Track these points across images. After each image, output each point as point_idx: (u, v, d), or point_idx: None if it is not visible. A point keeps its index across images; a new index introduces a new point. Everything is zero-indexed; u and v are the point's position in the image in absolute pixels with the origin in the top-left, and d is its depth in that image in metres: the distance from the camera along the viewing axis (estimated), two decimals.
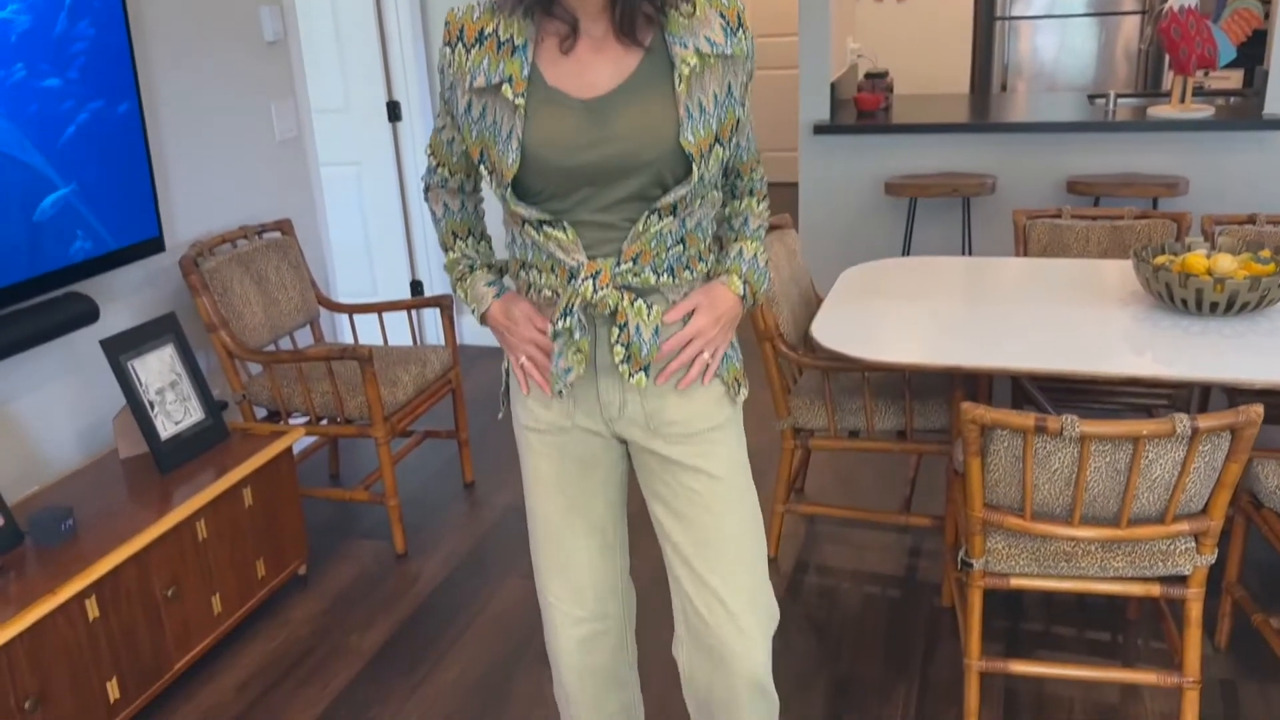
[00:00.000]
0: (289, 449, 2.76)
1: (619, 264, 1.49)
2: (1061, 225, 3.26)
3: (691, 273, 1.55)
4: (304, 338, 3.53)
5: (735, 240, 1.64)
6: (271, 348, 3.21)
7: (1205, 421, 1.84)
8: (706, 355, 1.56)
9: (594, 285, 1.48)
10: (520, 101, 1.43)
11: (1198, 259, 2.46)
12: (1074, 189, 4.02)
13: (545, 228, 1.49)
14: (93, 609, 2.16)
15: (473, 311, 1.65)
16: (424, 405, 3.18)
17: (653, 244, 1.49)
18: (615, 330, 1.51)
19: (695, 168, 1.45)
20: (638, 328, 1.50)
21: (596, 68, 1.45)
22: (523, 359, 1.58)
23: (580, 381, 1.57)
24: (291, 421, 3.06)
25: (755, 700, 1.65)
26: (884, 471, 3.39)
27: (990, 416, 1.92)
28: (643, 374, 1.51)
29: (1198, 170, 4.09)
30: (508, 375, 1.69)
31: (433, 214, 1.70)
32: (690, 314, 1.55)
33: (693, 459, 1.58)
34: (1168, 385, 2.85)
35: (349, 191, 4.48)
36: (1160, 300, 2.49)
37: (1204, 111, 4.05)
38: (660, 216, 1.47)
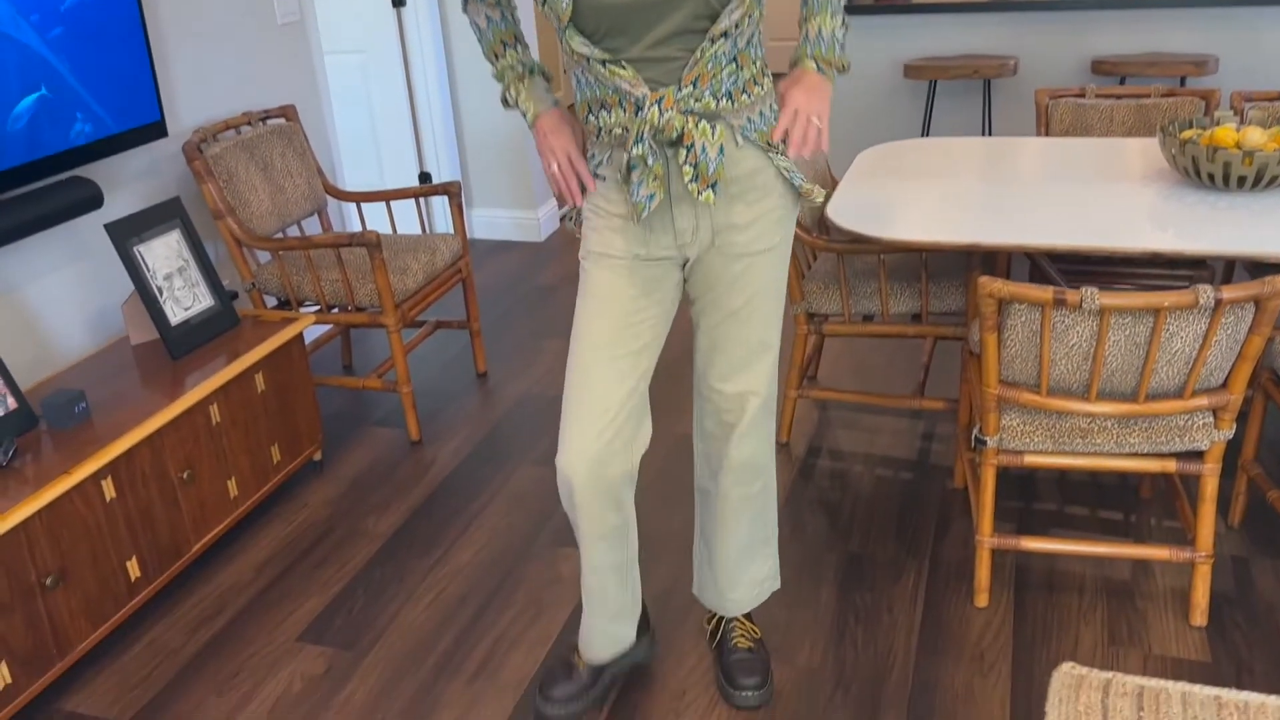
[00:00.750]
0: (300, 336, 2.75)
1: (680, 89, 1.60)
2: (1085, 105, 3.17)
3: (749, 96, 1.66)
4: (312, 227, 3.49)
5: (805, 20, 1.73)
6: (279, 236, 3.18)
7: (1229, 293, 1.80)
8: (816, 121, 1.66)
9: (660, 110, 1.59)
10: None
11: (1227, 132, 2.39)
12: (1099, 69, 3.90)
13: (608, 65, 1.59)
14: (109, 490, 2.17)
15: (524, 114, 1.77)
16: (434, 294, 3.15)
17: (709, 67, 1.59)
18: (683, 152, 1.61)
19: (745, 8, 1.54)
20: (704, 147, 1.61)
21: None
22: (554, 166, 1.72)
23: (656, 214, 1.70)
24: (302, 310, 3.05)
25: (744, 467, 1.90)
26: (897, 358, 3.37)
27: (1008, 290, 1.88)
28: (710, 191, 1.63)
29: (1228, 48, 3.95)
30: (574, 210, 1.81)
31: (475, 27, 1.79)
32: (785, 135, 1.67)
33: (741, 276, 1.76)
34: (1189, 264, 2.80)
35: (354, 81, 4.39)
36: (1186, 176, 2.42)
37: None
38: (713, 42, 1.56)
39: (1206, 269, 2.79)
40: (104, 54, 2.55)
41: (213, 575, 2.52)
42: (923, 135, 4.23)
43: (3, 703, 1.97)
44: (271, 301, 3.30)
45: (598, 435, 1.75)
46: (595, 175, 1.74)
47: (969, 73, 3.93)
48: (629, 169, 1.64)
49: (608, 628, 1.96)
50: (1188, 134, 2.45)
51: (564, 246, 4.62)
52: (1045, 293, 1.86)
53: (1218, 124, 2.52)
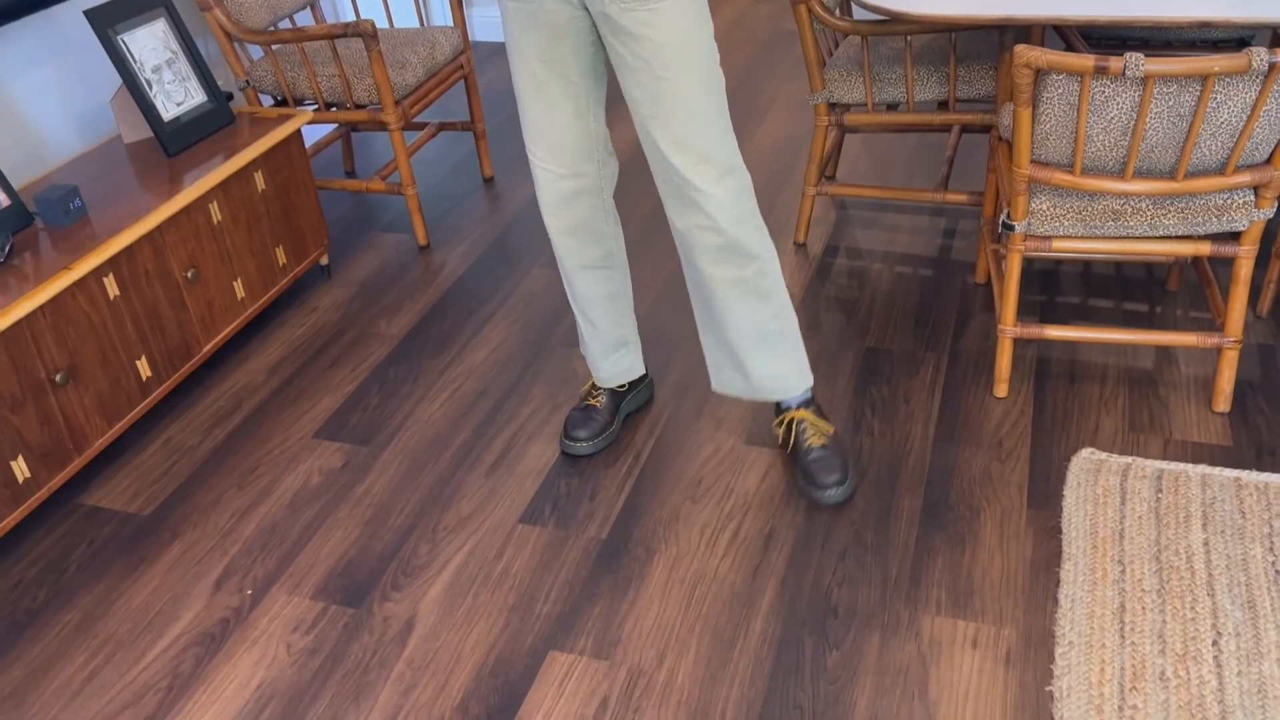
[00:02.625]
0: (298, 133, 2.65)
1: None
2: None
3: None
4: (304, 22, 3.32)
5: None
6: (272, 30, 3.02)
7: None
8: None
9: None
10: None
11: None
12: None
13: None
14: (112, 287, 2.13)
15: None
16: (436, 91, 3.02)
17: None
18: None
19: None
20: None
21: None
22: None
23: None
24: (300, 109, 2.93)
25: (724, 251, 1.83)
26: (920, 155, 3.25)
27: (1045, 59, 1.77)
28: None
29: None
30: None
31: None
32: None
33: (640, 26, 1.66)
34: (1235, 42, 2.64)
35: None
36: None
37: None
38: None
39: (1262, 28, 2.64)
40: None
41: (225, 376, 2.51)
42: None
43: (23, 496, 1.99)
44: (268, 101, 3.18)
45: (552, 172, 1.88)
46: None
47: None
48: None
49: (610, 358, 2.14)
50: None
51: None
52: (1086, 60, 1.74)
53: None
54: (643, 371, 2.23)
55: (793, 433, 2.05)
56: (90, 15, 2.32)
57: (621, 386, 2.21)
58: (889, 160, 3.24)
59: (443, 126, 3.30)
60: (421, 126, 3.32)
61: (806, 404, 2.05)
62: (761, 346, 1.95)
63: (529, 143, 1.88)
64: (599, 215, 1.96)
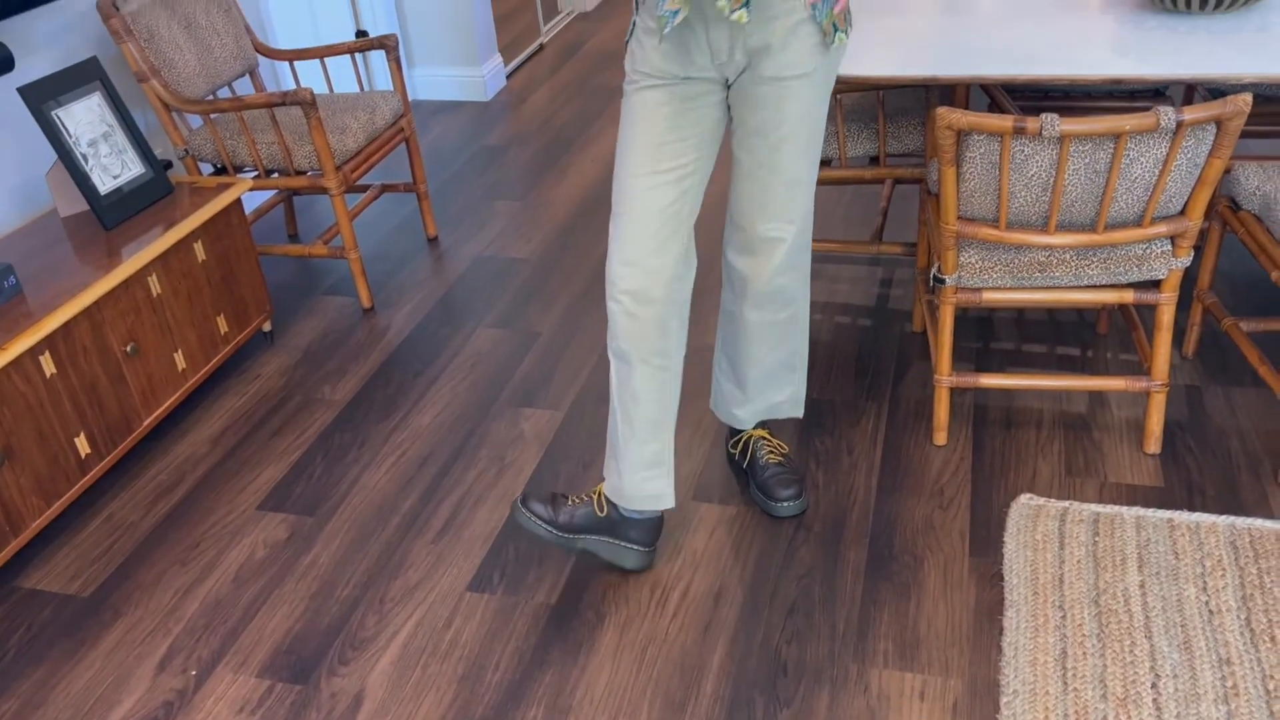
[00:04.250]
0: (238, 201, 2.65)
1: None
2: None
3: None
4: (244, 90, 3.33)
5: None
6: (210, 99, 3.02)
7: (1191, 113, 1.76)
8: None
9: None
10: None
11: None
12: None
13: None
14: (48, 365, 2.10)
15: None
16: (377, 154, 3.03)
17: None
18: None
19: None
20: None
21: None
22: None
23: (692, 34, 1.68)
24: (240, 176, 2.93)
25: (772, 295, 1.95)
26: (855, 206, 3.32)
27: (966, 120, 1.83)
28: (743, 10, 1.63)
29: None
30: (633, 25, 1.78)
31: None
32: None
33: (771, 100, 1.75)
34: (1148, 95, 2.74)
35: None
36: (1147, 0, 2.35)
37: None
38: None
39: (1165, 99, 2.75)
40: None
41: (168, 449, 2.48)
42: None
43: None
44: (207, 169, 3.17)
45: (643, 242, 1.78)
46: None
47: None
48: None
49: (639, 474, 1.91)
50: None
51: (512, 105, 4.46)
52: (1005, 121, 1.80)
53: None
54: (671, 504, 1.96)
55: (750, 450, 2.16)
56: (23, 92, 2.32)
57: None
58: (827, 210, 3.30)
59: (385, 188, 3.32)
60: (364, 189, 3.33)
61: (762, 424, 2.19)
62: (774, 381, 2.09)
63: (620, 219, 1.79)
64: (670, 303, 1.82)
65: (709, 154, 1.81)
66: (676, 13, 1.64)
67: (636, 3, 1.76)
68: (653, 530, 1.98)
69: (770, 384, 2.10)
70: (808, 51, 1.72)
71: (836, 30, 1.74)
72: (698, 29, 1.69)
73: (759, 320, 1.99)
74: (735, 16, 1.63)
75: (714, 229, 3.24)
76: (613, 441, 1.93)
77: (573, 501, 1.97)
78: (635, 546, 1.96)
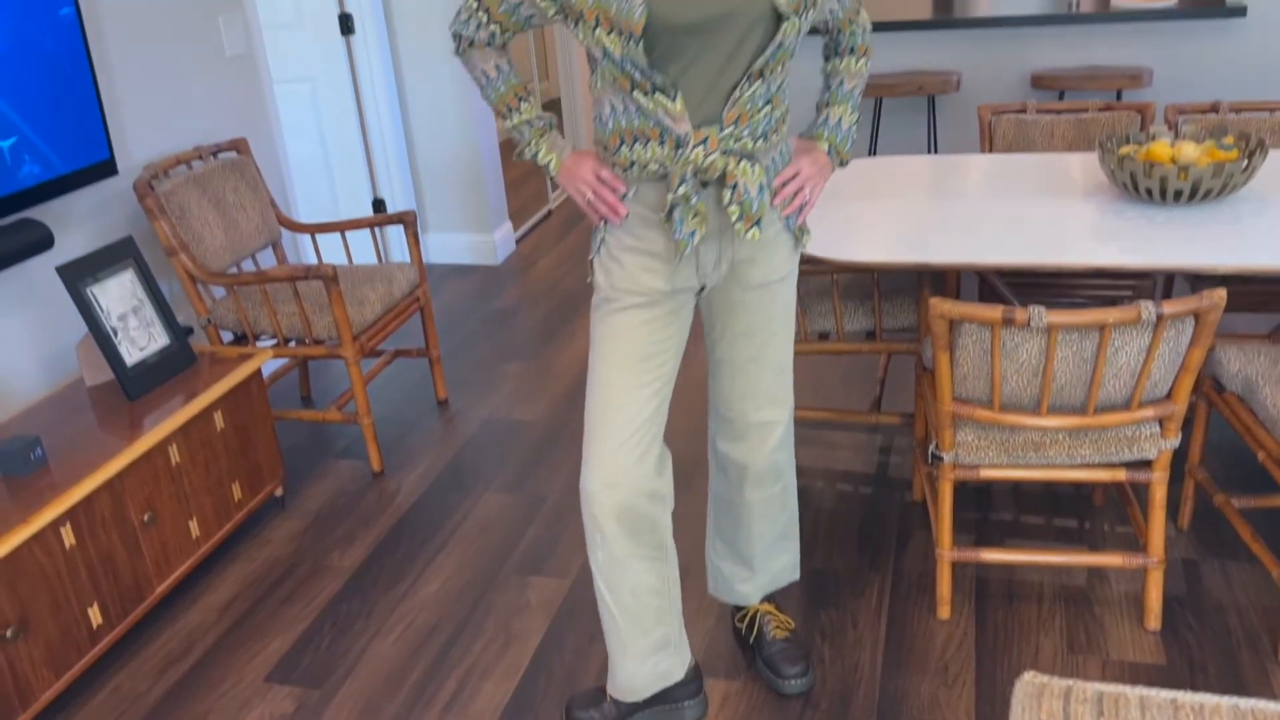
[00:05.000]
0: (258, 371, 2.74)
1: (722, 129, 1.64)
2: (1026, 120, 3.25)
3: (779, 134, 1.74)
4: (266, 260, 3.48)
5: (828, 105, 1.87)
6: (234, 270, 3.16)
7: (1170, 307, 1.86)
8: (807, 191, 1.80)
9: (704, 151, 1.64)
10: None
11: (1162, 148, 2.46)
12: (1039, 84, 3.99)
13: (657, 94, 1.61)
14: (69, 536, 2.15)
15: (546, 166, 1.79)
16: (393, 323, 3.15)
17: (748, 108, 1.65)
18: (727, 192, 1.67)
19: (784, 26, 1.59)
20: (746, 187, 1.67)
21: None
22: (586, 195, 1.75)
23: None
24: (259, 344, 3.03)
25: (765, 478, 2.02)
26: (853, 372, 3.42)
27: (958, 311, 1.93)
28: (756, 228, 1.70)
29: (1161, 61, 4.06)
30: (601, 243, 1.79)
31: (482, 75, 1.78)
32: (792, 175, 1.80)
33: (757, 304, 1.85)
34: (1132, 276, 2.87)
35: (304, 109, 4.37)
36: (1125, 191, 2.50)
37: (1166, 2, 4.01)
38: (751, 81, 1.63)
39: (1149, 278, 2.87)
40: (51, 93, 2.53)
41: (177, 617, 2.49)
42: (870, 150, 4.31)
43: None
44: (228, 336, 3.28)
45: (624, 457, 1.78)
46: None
47: (913, 89, 4.01)
48: (671, 207, 1.66)
49: (648, 661, 1.92)
50: (1125, 150, 2.53)
51: (521, 269, 4.63)
52: (994, 312, 1.91)
53: (1153, 139, 2.60)
54: (689, 664, 1.99)
55: (756, 625, 2.18)
56: (62, 271, 2.44)
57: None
58: (825, 377, 3.40)
59: (398, 354, 3.42)
60: (378, 354, 3.43)
61: (768, 598, 2.21)
62: (773, 549, 2.14)
63: (597, 427, 1.79)
64: (655, 503, 1.83)
65: (681, 351, 1.85)
66: (694, 234, 1.67)
67: (604, 221, 1.76)
68: (693, 679, 2.01)
69: (773, 554, 2.15)
70: (784, 256, 1.84)
71: (805, 234, 1.86)
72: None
73: (759, 499, 2.05)
74: (750, 235, 1.70)
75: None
76: (613, 641, 1.91)
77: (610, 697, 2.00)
78: (686, 702, 2.01)
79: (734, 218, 1.68)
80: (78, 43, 2.60)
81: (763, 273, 1.83)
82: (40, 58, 2.49)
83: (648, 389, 1.79)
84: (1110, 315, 1.87)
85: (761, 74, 1.63)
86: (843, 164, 1.86)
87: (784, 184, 1.77)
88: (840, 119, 1.85)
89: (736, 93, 1.63)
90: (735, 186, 1.67)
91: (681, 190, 1.65)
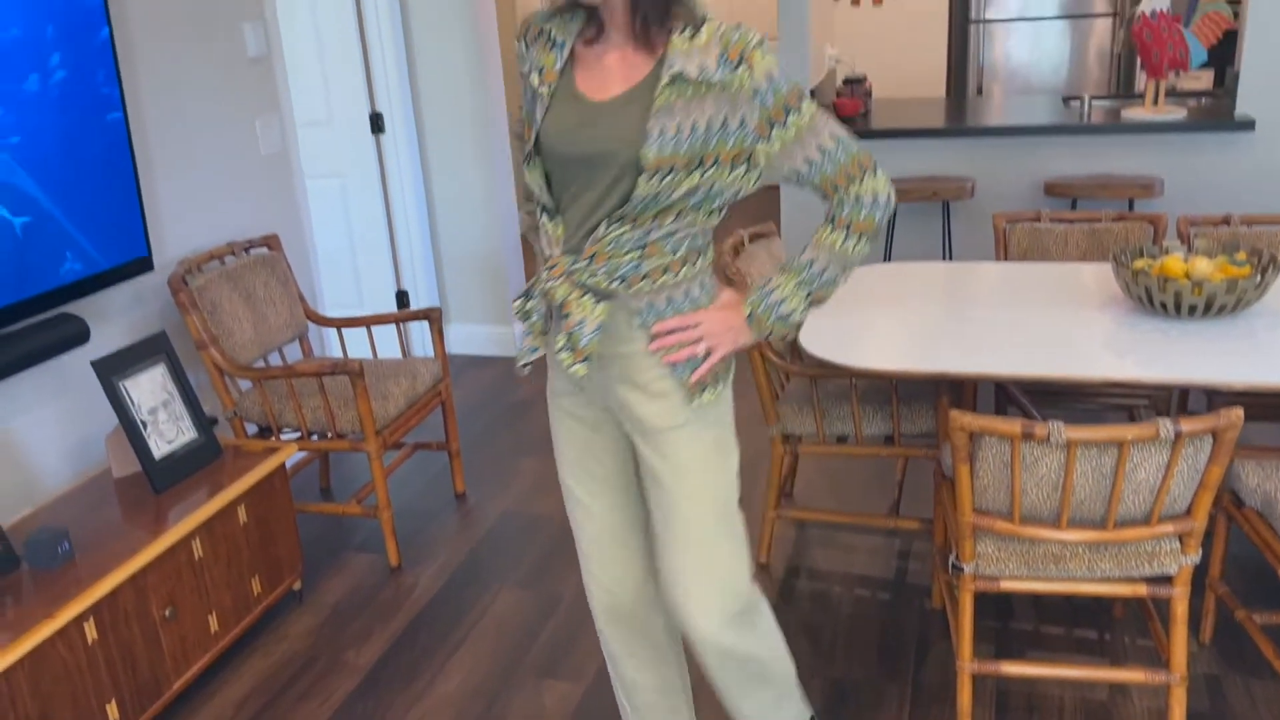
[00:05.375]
0: (282, 465, 2.77)
1: (575, 262, 1.63)
2: (1041, 229, 3.31)
3: (651, 283, 1.65)
4: (292, 352, 3.54)
5: (781, 270, 1.72)
6: (261, 363, 3.22)
7: (1188, 425, 1.89)
8: (701, 348, 1.68)
9: (548, 276, 1.66)
10: (545, 90, 1.63)
11: (1175, 262, 2.51)
12: (1051, 191, 4.08)
13: (544, 216, 1.68)
14: (91, 632, 2.16)
15: None
16: (415, 418, 3.19)
17: (609, 248, 1.62)
18: (562, 321, 1.67)
19: (641, 182, 1.56)
20: (580, 321, 1.65)
21: (615, 75, 1.61)
22: None
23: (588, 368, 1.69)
24: (283, 437, 3.07)
25: (723, 662, 1.79)
26: (872, 474, 3.43)
27: (978, 424, 1.96)
28: (582, 365, 1.66)
29: (1172, 171, 4.15)
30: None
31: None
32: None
33: (654, 453, 1.73)
34: (1149, 386, 2.90)
35: (333, 203, 4.49)
36: (1140, 303, 2.54)
37: (1177, 114, 4.12)
38: (615, 223, 1.60)
39: (1166, 389, 2.90)
40: (94, 191, 2.62)
41: (193, 713, 2.48)
42: (886, 255, 4.38)
43: None
44: (252, 428, 3.32)
45: (605, 558, 1.82)
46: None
47: (928, 195, 4.10)
48: (521, 317, 1.75)
49: None
50: (1139, 264, 2.58)
51: (539, 362, 4.68)
52: (1014, 426, 1.93)
53: (1166, 253, 2.65)
54: None
55: None
56: (97, 366, 2.49)
57: None
58: (843, 477, 3.41)
59: (418, 447, 3.46)
60: (399, 446, 3.47)
61: None
62: (763, 714, 1.92)
63: (575, 533, 1.86)
64: (643, 607, 1.85)
65: (628, 473, 1.81)
66: (535, 350, 1.72)
67: None
68: None
69: (766, 715, 1.93)
70: (673, 405, 1.69)
71: (705, 389, 1.71)
72: (592, 365, 1.71)
73: (721, 678, 1.83)
74: (573, 370, 1.65)
75: None
76: None
77: None
78: None
79: (559, 345, 1.67)
80: (124, 145, 2.70)
81: (650, 417, 1.70)
82: (87, 159, 2.59)
83: (601, 500, 1.82)
84: (1129, 432, 1.89)
85: (634, 220, 1.59)
86: (764, 335, 1.71)
87: (668, 331, 1.66)
88: (779, 291, 1.68)
89: (599, 230, 1.61)
90: (568, 317, 1.65)
91: (522, 305, 1.72)
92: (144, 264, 2.80)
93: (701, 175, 1.58)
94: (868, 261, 4.55)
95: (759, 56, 1.56)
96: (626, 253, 1.62)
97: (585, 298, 1.64)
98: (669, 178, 1.56)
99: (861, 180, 1.64)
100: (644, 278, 1.64)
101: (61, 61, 2.50)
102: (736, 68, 1.55)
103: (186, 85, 3.13)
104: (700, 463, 1.72)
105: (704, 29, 1.57)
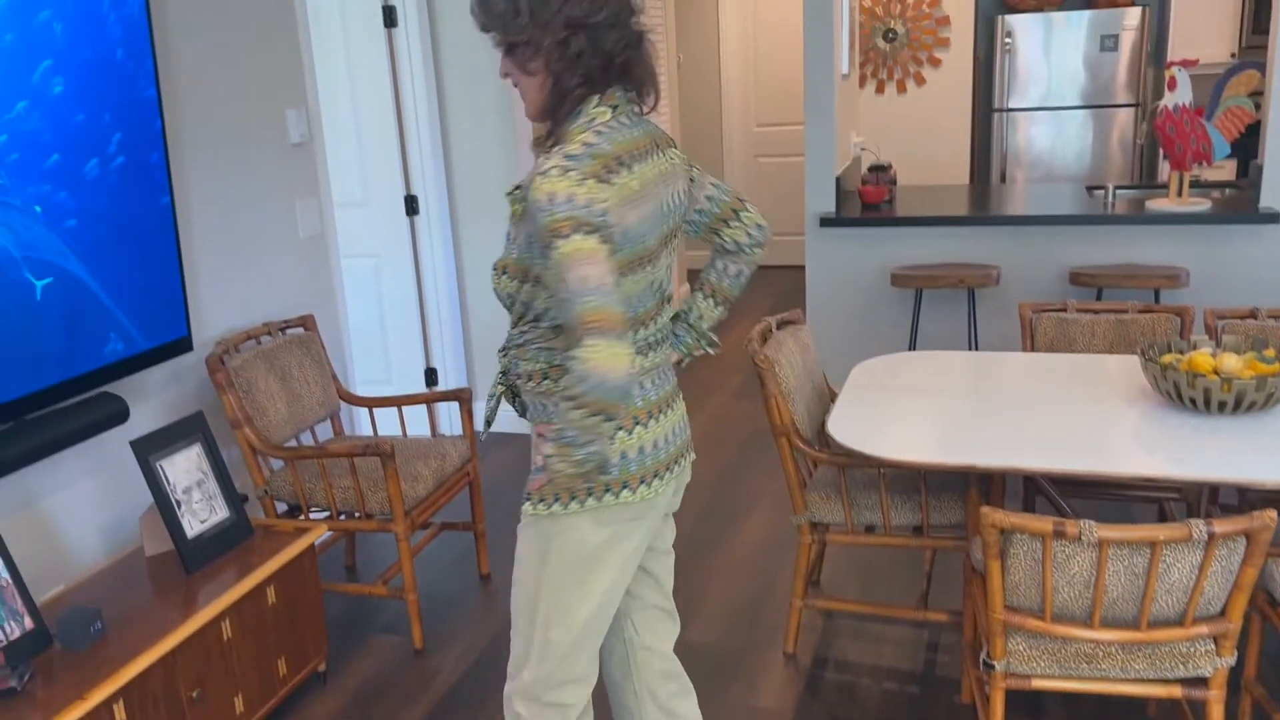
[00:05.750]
0: (311, 545, 2.79)
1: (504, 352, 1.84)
2: (1067, 319, 3.33)
3: (530, 383, 1.80)
4: (323, 430, 3.58)
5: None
6: (293, 442, 3.26)
7: (1220, 527, 1.88)
8: (538, 459, 1.79)
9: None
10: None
11: (1204, 358, 2.52)
12: (1077, 280, 4.10)
13: None
14: (120, 713, 2.17)
15: None
16: (443, 499, 3.21)
17: (509, 339, 1.83)
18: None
19: (493, 278, 1.77)
20: (491, 392, 1.89)
21: None
22: None
23: None
24: (311, 516, 3.09)
25: None
26: (900, 562, 3.41)
27: (1009, 521, 1.96)
28: (481, 429, 1.94)
29: (1198, 262, 4.18)
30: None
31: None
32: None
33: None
34: (1180, 483, 2.89)
35: (366, 281, 4.57)
36: (1169, 398, 2.54)
37: (1201, 205, 4.16)
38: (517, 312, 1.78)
39: (1195, 485, 2.88)
40: (140, 273, 2.69)
41: None
42: (911, 341, 4.40)
43: None
44: (281, 506, 3.35)
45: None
46: None
47: (954, 282, 4.14)
48: None
49: None
50: (1168, 358, 2.59)
51: None
52: (1045, 524, 1.93)
53: (1194, 347, 2.66)
54: None
55: None
56: (135, 446, 2.54)
57: None
58: (871, 566, 3.39)
59: (445, 527, 3.47)
60: (426, 526, 3.48)
61: None
62: None
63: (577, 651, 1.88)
64: (625, 681, 2.04)
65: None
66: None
67: None
68: None
69: None
70: (525, 504, 1.80)
71: (534, 499, 1.76)
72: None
73: None
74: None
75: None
76: None
77: None
78: None
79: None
80: (170, 229, 2.78)
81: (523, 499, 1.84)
82: (136, 242, 2.67)
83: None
84: (1161, 533, 1.89)
85: (514, 319, 1.79)
86: (587, 474, 1.62)
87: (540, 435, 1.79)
88: (545, 450, 1.59)
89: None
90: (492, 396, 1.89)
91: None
92: (183, 344, 2.86)
93: (520, 285, 1.73)
94: (893, 348, 4.58)
95: (539, 181, 1.57)
96: (513, 348, 1.81)
97: (501, 377, 1.87)
98: (512, 282, 1.73)
99: (580, 344, 1.52)
100: (523, 376, 1.81)
101: (120, 147, 2.59)
102: (526, 194, 1.64)
103: (230, 169, 3.23)
104: (522, 560, 1.85)
105: (557, 147, 1.64)
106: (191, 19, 3.05)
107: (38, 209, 2.36)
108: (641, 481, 1.77)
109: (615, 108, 1.70)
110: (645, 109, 1.76)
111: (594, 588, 1.81)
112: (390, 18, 4.29)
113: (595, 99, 1.67)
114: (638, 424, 1.76)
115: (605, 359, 1.49)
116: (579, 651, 1.86)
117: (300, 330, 3.46)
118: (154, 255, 2.74)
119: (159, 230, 2.75)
